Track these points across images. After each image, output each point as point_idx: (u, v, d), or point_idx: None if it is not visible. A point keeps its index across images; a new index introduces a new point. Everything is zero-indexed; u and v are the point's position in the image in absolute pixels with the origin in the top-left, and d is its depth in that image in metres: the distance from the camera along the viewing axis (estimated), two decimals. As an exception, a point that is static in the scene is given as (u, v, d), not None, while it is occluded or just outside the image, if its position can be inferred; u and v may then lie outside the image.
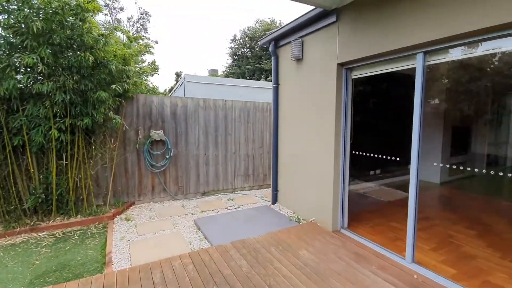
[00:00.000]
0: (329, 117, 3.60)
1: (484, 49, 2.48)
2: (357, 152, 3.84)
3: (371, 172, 6.02)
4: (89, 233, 3.76)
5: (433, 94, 6.93)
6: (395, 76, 6.16)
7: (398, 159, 3.45)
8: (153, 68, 8.31)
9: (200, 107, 5.27)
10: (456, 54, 2.66)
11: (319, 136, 3.80)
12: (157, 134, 4.72)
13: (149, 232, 3.76)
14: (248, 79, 15.79)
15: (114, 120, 4.10)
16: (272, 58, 4.57)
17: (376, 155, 3.66)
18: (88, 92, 3.83)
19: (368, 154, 3.73)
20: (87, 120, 3.81)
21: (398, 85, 5.92)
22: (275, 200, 4.82)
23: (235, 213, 4.41)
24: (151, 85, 8.99)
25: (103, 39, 3.84)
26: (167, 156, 4.96)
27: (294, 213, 4.40)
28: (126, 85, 4.30)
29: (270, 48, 4.53)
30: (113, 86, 4.01)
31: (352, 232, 3.54)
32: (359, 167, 6.25)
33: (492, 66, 6.64)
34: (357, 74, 3.53)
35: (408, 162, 2.93)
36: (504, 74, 6.70)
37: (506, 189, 5.49)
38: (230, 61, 18.21)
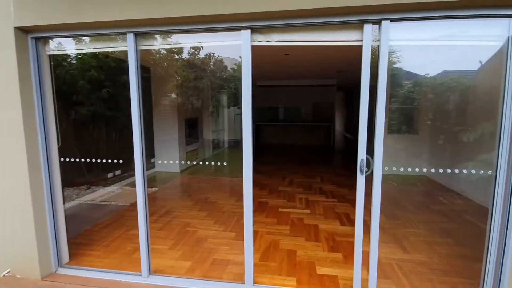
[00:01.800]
0: (11, 111, 2.31)
1: (192, 40, 2.50)
2: (78, 158, 2.87)
3: (110, 175, 5.22)
4: None
5: (169, 89, 7.31)
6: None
7: (120, 161, 2.90)
8: None
9: None
10: (167, 42, 2.52)
11: (-1, 139, 2.38)
12: None
13: None
14: None
15: None
16: None
17: (105, 160, 2.92)
18: None
19: (96, 159, 2.90)
20: None
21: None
22: None
23: None
24: None
25: None
26: None
27: (-34, 273, 2.62)
28: None
29: None
30: None
31: (75, 267, 2.62)
32: (94, 172, 5.21)
33: (210, 68, 8.10)
34: (57, 49, 2.53)
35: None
36: (217, 76, 8.48)
37: (227, 168, 6.97)
38: None
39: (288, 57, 6.18)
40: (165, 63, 6.68)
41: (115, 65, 5.09)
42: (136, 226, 3.54)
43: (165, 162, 6.53)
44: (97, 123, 5.41)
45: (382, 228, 3.50)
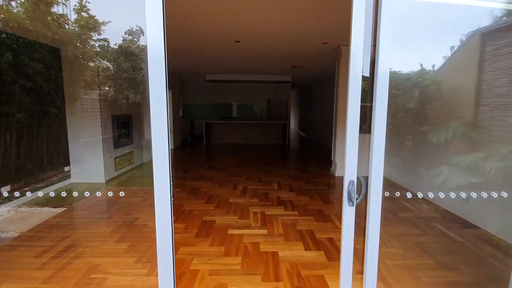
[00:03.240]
0: None
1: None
2: None
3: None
4: None
5: (91, 80, 5.88)
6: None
7: None
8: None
9: None
10: None
11: None
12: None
13: None
14: None
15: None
16: None
17: None
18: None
19: None
20: None
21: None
22: None
23: None
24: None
25: None
26: None
27: None
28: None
29: None
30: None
31: None
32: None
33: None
34: None
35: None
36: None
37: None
38: None
39: (239, 46, 5.32)
40: (82, 43, 5.24)
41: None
42: (12, 275, 2.34)
43: (86, 170, 5.15)
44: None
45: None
